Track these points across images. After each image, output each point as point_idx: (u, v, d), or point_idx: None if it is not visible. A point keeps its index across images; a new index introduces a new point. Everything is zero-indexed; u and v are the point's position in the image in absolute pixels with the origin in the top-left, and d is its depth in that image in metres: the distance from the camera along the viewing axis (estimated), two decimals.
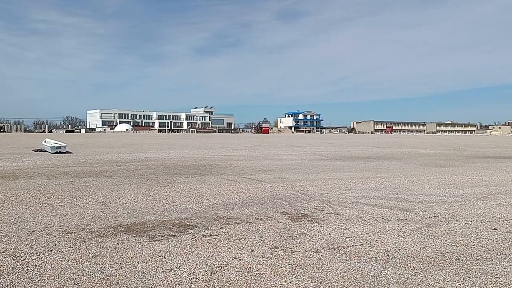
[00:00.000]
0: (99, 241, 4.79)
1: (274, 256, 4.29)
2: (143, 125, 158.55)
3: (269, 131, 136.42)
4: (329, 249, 4.56)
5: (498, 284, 3.60)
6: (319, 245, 4.69)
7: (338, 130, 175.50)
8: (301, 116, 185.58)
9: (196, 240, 4.87)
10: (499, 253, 4.45)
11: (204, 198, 7.73)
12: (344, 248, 4.61)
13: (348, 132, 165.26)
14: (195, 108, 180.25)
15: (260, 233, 5.20)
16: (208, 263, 4.05)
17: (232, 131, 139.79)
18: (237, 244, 4.71)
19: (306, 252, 4.42)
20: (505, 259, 4.26)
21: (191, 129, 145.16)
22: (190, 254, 4.34)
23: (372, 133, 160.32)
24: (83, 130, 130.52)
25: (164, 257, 4.22)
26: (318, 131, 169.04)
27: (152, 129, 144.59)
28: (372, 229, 5.48)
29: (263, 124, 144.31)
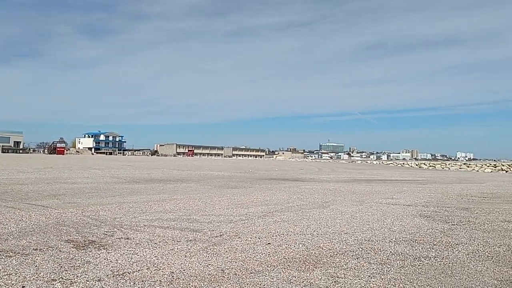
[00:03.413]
0: None
1: None
2: None
3: (66, 152, 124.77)
4: (113, 276, 4.43)
5: None
6: (103, 273, 4.51)
7: (141, 152, 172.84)
8: (102, 137, 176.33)
9: None
10: (269, 266, 5.05)
11: None
12: (129, 273, 4.54)
13: (151, 155, 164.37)
14: None
15: (36, 266, 4.70)
16: None
17: (21, 151, 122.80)
18: (5, 281, 4.15)
19: (88, 282, 4.19)
20: (273, 270, 4.87)
21: None
22: None
23: (174, 156, 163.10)
24: None
25: None
26: (121, 153, 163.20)
27: None
28: (161, 251, 5.55)
29: (58, 144, 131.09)
